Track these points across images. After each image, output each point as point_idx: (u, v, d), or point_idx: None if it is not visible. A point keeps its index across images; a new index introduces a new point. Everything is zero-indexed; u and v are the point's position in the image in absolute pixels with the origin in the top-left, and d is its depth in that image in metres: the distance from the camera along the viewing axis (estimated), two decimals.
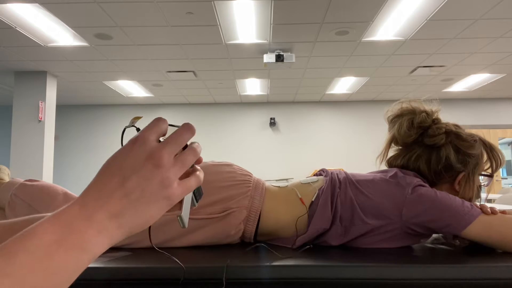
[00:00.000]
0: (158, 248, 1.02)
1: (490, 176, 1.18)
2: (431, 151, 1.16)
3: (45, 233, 0.32)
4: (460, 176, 1.14)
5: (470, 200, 1.14)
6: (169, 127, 0.46)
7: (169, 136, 0.41)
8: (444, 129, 1.16)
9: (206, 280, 0.80)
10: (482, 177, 1.17)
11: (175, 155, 0.40)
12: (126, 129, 0.51)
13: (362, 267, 0.84)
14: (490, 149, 1.18)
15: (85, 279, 0.77)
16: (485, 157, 1.16)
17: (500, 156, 1.16)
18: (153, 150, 0.38)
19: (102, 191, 0.36)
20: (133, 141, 0.39)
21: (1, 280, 0.29)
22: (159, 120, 0.42)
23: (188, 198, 0.45)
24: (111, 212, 0.36)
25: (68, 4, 3.59)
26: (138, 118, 0.52)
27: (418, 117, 1.17)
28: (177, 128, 0.46)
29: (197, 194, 0.48)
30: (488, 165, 1.17)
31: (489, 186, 1.20)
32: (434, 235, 1.26)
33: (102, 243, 0.35)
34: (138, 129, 0.47)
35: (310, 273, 0.83)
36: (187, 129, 0.42)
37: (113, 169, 0.38)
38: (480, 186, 1.17)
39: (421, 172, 1.18)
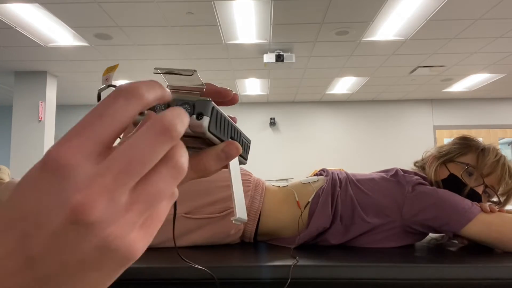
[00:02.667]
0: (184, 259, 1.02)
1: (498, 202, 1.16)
2: None
3: None
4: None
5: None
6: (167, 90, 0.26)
7: (117, 148, 0.21)
8: None
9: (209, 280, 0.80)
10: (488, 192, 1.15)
11: (136, 185, 0.22)
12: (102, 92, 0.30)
13: (362, 267, 0.84)
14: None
15: None
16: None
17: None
18: (78, 189, 0.20)
19: None
20: (43, 161, 0.21)
21: None
22: (106, 107, 0.21)
23: (236, 179, 0.31)
24: None
25: (68, 4, 3.59)
26: (112, 68, 0.31)
27: None
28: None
29: (244, 148, 0.32)
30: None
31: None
32: (433, 235, 1.26)
33: None
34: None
35: (311, 273, 0.83)
36: (153, 129, 0.22)
37: (11, 213, 0.21)
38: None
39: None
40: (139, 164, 0.21)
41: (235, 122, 0.33)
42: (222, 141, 0.30)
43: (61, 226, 0.20)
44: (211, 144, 0.30)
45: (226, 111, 0.32)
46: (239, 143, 0.31)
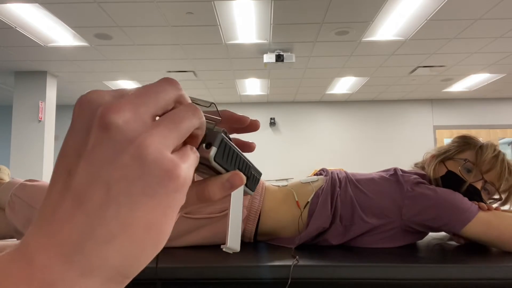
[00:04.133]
0: None
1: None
2: None
3: None
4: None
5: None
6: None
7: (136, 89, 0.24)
8: None
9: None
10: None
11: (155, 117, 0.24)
12: None
13: (362, 267, 0.84)
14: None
15: None
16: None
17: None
18: (107, 101, 0.22)
19: (43, 210, 0.22)
20: (77, 103, 0.24)
21: None
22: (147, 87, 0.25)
23: (236, 208, 0.32)
24: (60, 244, 0.20)
25: (68, 4, 3.59)
26: None
27: None
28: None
29: (252, 180, 0.34)
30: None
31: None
32: (433, 234, 1.26)
33: None
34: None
35: (311, 273, 0.83)
36: (162, 79, 0.25)
37: (59, 157, 0.23)
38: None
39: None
40: (153, 93, 0.23)
41: (254, 147, 0.35)
42: (228, 171, 0.31)
43: (95, 139, 0.21)
44: (218, 173, 0.31)
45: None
46: (246, 175, 0.32)
